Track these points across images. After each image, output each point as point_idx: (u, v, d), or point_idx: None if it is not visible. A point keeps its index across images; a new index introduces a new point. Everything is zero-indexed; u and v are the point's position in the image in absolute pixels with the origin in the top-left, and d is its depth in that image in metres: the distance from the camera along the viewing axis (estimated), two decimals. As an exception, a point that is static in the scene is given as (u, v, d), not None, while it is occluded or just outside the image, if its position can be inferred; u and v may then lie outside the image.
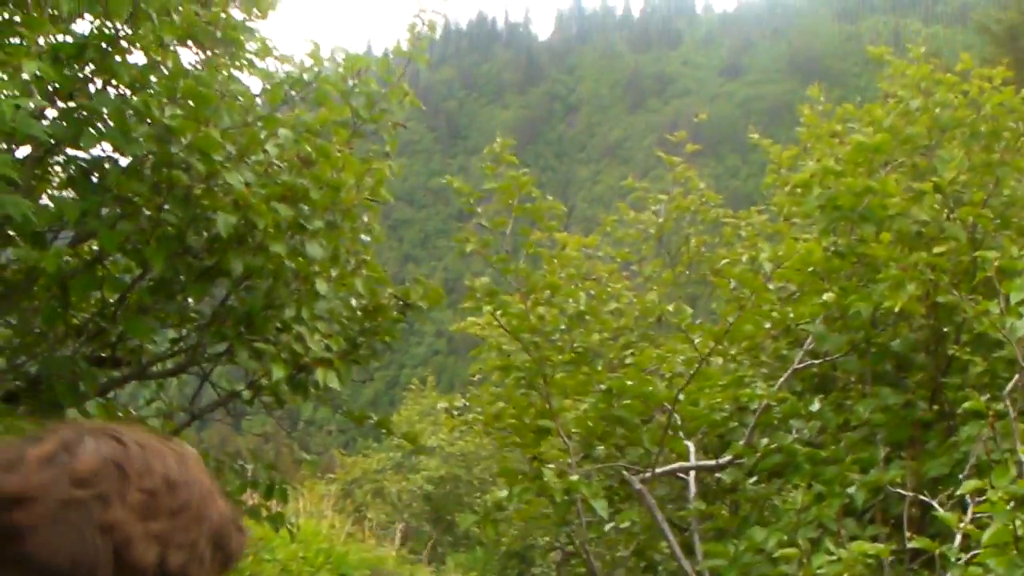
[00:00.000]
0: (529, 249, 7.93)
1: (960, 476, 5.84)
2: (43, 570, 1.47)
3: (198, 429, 8.19)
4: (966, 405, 5.74)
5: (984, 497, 4.71)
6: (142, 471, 1.55)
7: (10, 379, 6.03)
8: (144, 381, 7.23)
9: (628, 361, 8.46)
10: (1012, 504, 4.51)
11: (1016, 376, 6.07)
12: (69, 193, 5.70)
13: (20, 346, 6.14)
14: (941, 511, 5.44)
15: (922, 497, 6.01)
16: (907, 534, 5.44)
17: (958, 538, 5.21)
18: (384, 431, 7.93)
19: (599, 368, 8.06)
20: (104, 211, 5.47)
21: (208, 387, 7.31)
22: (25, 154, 5.37)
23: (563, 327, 7.85)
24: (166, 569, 1.52)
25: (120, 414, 6.89)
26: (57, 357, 5.89)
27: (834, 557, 5.21)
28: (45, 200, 5.67)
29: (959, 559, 5.07)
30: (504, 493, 7.19)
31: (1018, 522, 4.40)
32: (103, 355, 6.53)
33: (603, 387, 7.47)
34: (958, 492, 5.25)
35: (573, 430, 7.92)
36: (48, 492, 1.50)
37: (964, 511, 5.20)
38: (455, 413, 9.44)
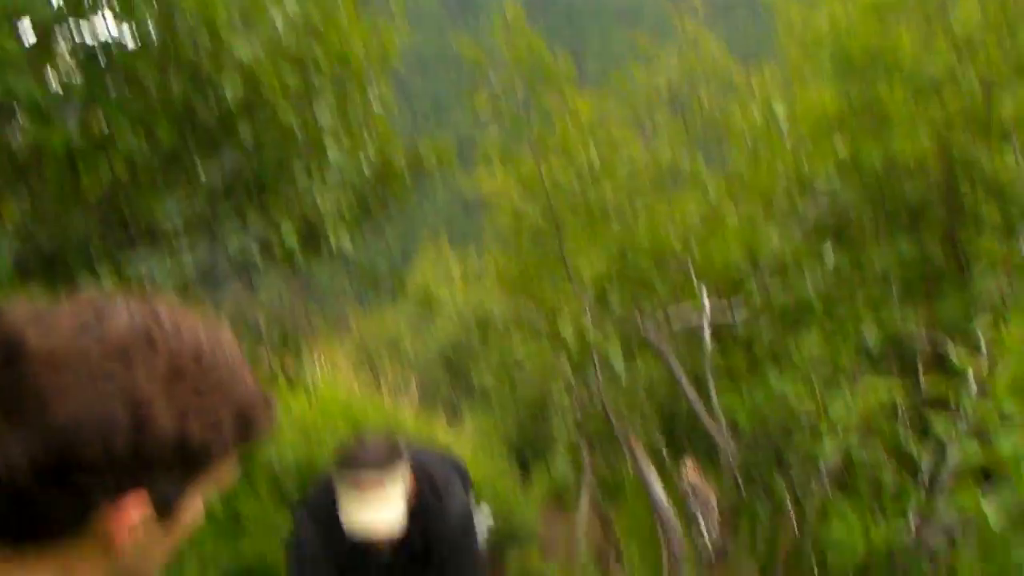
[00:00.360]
0: (539, 108, 7.92)
1: (974, 320, 5.87)
2: (61, 435, 1.48)
3: (213, 296, 8.20)
4: (983, 245, 5.75)
5: (997, 340, 4.74)
6: (171, 344, 1.57)
7: (24, 256, 6.06)
8: (158, 253, 7.25)
9: (641, 215, 8.48)
10: (1025, 345, 4.53)
11: (1031, 223, 6.08)
12: (74, 68, 5.69)
13: (33, 223, 6.16)
14: (955, 354, 5.48)
15: (935, 341, 6.05)
16: (922, 375, 5.48)
17: (971, 380, 5.26)
18: (398, 289, 7.99)
19: (612, 222, 8.07)
20: (111, 88, 5.46)
21: (222, 255, 7.34)
22: (31, 43, 5.36)
23: (575, 183, 7.85)
24: (186, 441, 1.56)
25: (135, 286, 6.94)
26: (70, 233, 5.91)
27: (848, 399, 5.25)
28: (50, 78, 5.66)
29: (974, 400, 5.12)
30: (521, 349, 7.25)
31: (1032, 364, 4.43)
32: (116, 229, 6.55)
33: (617, 243, 7.48)
34: (976, 327, 5.27)
35: (588, 283, 7.96)
36: (78, 359, 1.51)
37: (978, 355, 5.23)
38: (469, 270, 9.46)
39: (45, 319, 1.60)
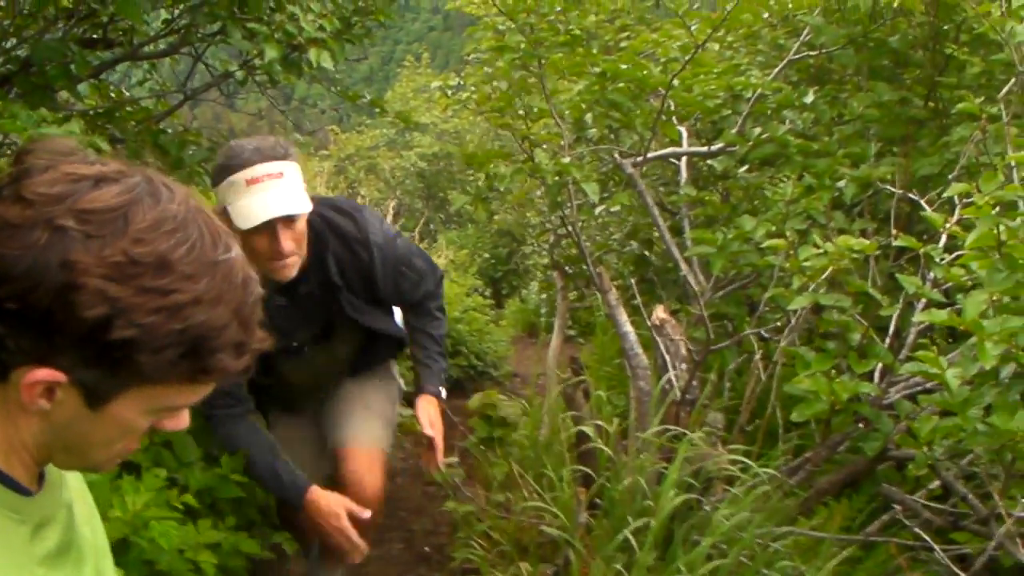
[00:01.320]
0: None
1: (950, 177, 5.87)
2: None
3: (191, 107, 8.15)
4: (960, 106, 5.73)
5: (971, 200, 4.74)
6: (142, 236, 1.57)
7: (0, 63, 6.00)
8: (136, 62, 7.19)
9: (623, 45, 8.40)
10: (997, 209, 4.54)
11: (1012, 80, 6.04)
12: None
13: (9, 29, 6.09)
14: (928, 210, 5.48)
15: (911, 195, 6.05)
16: (893, 231, 5.49)
17: (943, 238, 5.27)
18: (377, 109, 7.96)
19: (594, 51, 7.99)
20: None
21: (201, 67, 7.28)
22: None
23: (559, 8, 7.76)
24: (107, 334, 1.55)
25: (112, 95, 6.89)
26: (47, 40, 5.84)
27: (820, 250, 5.26)
28: None
29: (942, 259, 5.14)
30: (498, 171, 7.21)
31: (1002, 227, 4.44)
32: (94, 36, 6.48)
33: (597, 69, 7.41)
34: (945, 194, 5.28)
35: (566, 112, 7.91)
36: (45, 205, 1.54)
37: (951, 212, 5.24)
38: (449, 93, 9.40)
39: (64, 162, 1.61)
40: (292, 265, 4.29)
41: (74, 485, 2.05)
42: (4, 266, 1.53)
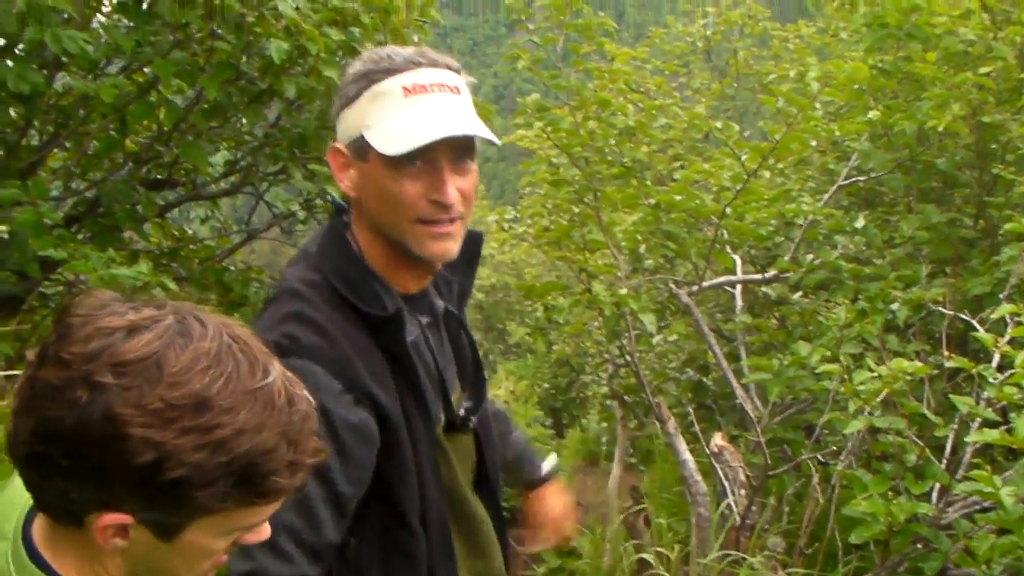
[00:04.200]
0: (579, 65, 7.97)
1: (1000, 296, 5.93)
2: (48, 429, 1.62)
3: (251, 246, 8.29)
4: (1008, 226, 5.80)
5: (1021, 319, 4.80)
6: (177, 380, 1.64)
7: (69, 203, 6.16)
8: (199, 201, 7.35)
9: (676, 175, 8.51)
10: (1047, 327, 4.59)
11: (1057, 198, 6.12)
12: (119, 19, 5.77)
13: (76, 171, 6.27)
14: (980, 331, 5.53)
15: (962, 316, 6.10)
16: (945, 352, 5.53)
17: (996, 358, 5.31)
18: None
19: (648, 182, 8.11)
20: (156, 39, 5.54)
21: (262, 207, 7.43)
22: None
23: (613, 141, 7.89)
24: (159, 476, 1.63)
25: (175, 233, 7.05)
26: (114, 181, 6.00)
27: (875, 373, 5.31)
28: (96, 25, 5.73)
29: (995, 379, 5.17)
30: (556, 303, 7.30)
31: (1052, 345, 4.49)
32: (159, 178, 6.65)
33: (652, 201, 7.52)
34: (993, 315, 5.33)
35: (622, 243, 8.01)
36: (82, 363, 1.63)
37: (1004, 331, 5.28)
38: (506, 226, 9.52)
39: (87, 318, 1.69)
40: (456, 235, 2.77)
41: None
42: (53, 426, 1.62)
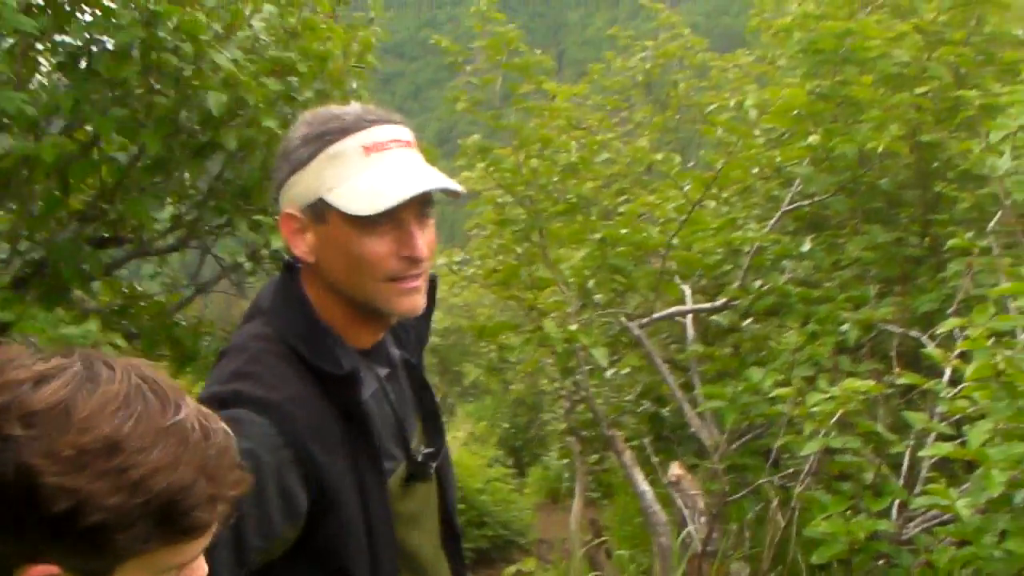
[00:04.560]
0: (519, 104, 8.01)
1: (948, 312, 5.97)
2: None
3: (203, 298, 8.27)
4: (952, 242, 5.86)
5: (967, 332, 4.84)
6: (86, 425, 1.62)
7: (16, 265, 6.14)
8: (147, 257, 7.34)
9: (622, 209, 8.55)
10: (992, 339, 4.64)
11: (999, 212, 6.17)
12: (59, 78, 5.77)
13: (23, 232, 6.25)
14: (930, 347, 5.57)
15: (912, 333, 6.15)
16: (896, 370, 5.57)
17: (947, 373, 5.35)
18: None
19: (593, 217, 8.14)
20: (95, 97, 5.54)
21: (210, 260, 7.42)
22: (11, 44, 5.44)
23: (556, 178, 7.93)
24: (78, 523, 1.61)
25: (125, 290, 7.03)
26: (60, 241, 5.99)
27: (828, 395, 5.34)
28: (34, 87, 5.73)
29: (947, 393, 5.21)
30: (508, 342, 7.32)
31: (999, 356, 4.53)
32: (105, 235, 6.64)
33: (598, 235, 7.55)
34: (939, 331, 5.38)
35: (570, 280, 8.03)
36: None
37: (954, 345, 5.32)
38: (455, 268, 9.54)
39: (4, 371, 1.69)
40: (423, 288, 2.75)
41: None
42: None
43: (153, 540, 1.68)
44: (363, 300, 2.67)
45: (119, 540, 1.65)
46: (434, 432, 3.05)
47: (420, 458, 2.91)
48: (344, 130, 2.61)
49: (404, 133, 2.69)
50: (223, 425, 1.82)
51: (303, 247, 2.66)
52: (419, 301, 2.72)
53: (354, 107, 2.69)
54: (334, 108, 2.69)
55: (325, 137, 2.60)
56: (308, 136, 2.62)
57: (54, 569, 1.67)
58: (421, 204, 2.64)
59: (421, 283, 2.70)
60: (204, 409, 1.80)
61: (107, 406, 1.65)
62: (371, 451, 2.69)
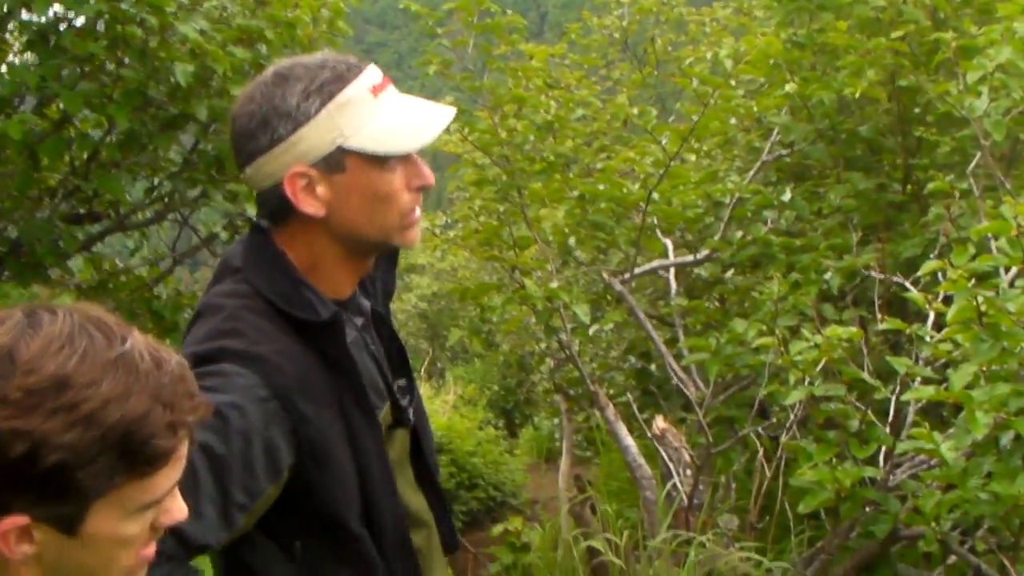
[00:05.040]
0: (492, 65, 7.97)
1: (931, 256, 5.95)
2: None
3: (191, 271, 8.26)
4: (932, 186, 5.83)
5: (950, 274, 4.82)
6: (31, 366, 1.61)
7: (-7, 247, 6.13)
8: (128, 232, 7.31)
9: (600, 166, 8.52)
10: (973, 281, 4.61)
11: (978, 154, 6.15)
12: (29, 57, 5.73)
13: (-1, 211, 6.23)
14: (912, 291, 5.55)
15: (895, 279, 6.13)
16: (879, 316, 5.56)
17: (930, 317, 5.34)
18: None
19: (573, 175, 8.11)
20: (64, 72, 5.50)
21: (188, 231, 7.39)
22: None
23: (532, 138, 7.89)
24: (37, 466, 1.60)
25: (106, 267, 7.00)
26: (35, 219, 5.96)
27: (811, 343, 5.32)
28: (3, 69, 5.70)
29: (931, 337, 5.20)
30: (490, 303, 7.30)
31: (980, 298, 4.50)
32: (81, 212, 6.61)
33: (576, 193, 7.52)
34: (919, 273, 5.35)
35: (551, 238, 8.00)
36: None
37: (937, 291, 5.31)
38: (438, 232, 9.51)
39: None
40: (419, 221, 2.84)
41: None
42: None
43: (118, 475, 1.66)
44: (378, 239, 2.71)
45: (82, 479, 1.63)
46: (406, 379, 3.06)
47: (403, 403, 2.94)
48: (341, 77, 2.61)
49: (380, 72, 2.69)
50: (177, 356, 1.79)
51: (313, 202, 2.64)
52: (417, 235, 2.80)
53: (321, 56, 2.69)
54: (302, 59, 2.67)
55: (326, 88, 2.59)
56: (308, 90, 2.59)
57: (23, 519, 1.65)
58: None
59: (419, 215, 2.77)
60: (153, 341, 1.78)
61: (50, 346, 1.63)
62: (359, 397, 2.70)
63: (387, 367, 2.98)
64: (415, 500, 3.02)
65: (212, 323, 2.60)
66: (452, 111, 2.69)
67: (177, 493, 1.85)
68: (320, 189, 2.63)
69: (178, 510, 1.86)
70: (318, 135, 2.59)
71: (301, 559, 2.69)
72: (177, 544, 2.38)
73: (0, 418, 1.57)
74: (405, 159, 2.66)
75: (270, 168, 2.62)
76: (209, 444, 2.39)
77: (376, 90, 2.64)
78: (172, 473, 1.78)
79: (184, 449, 1.79)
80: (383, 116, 2.62)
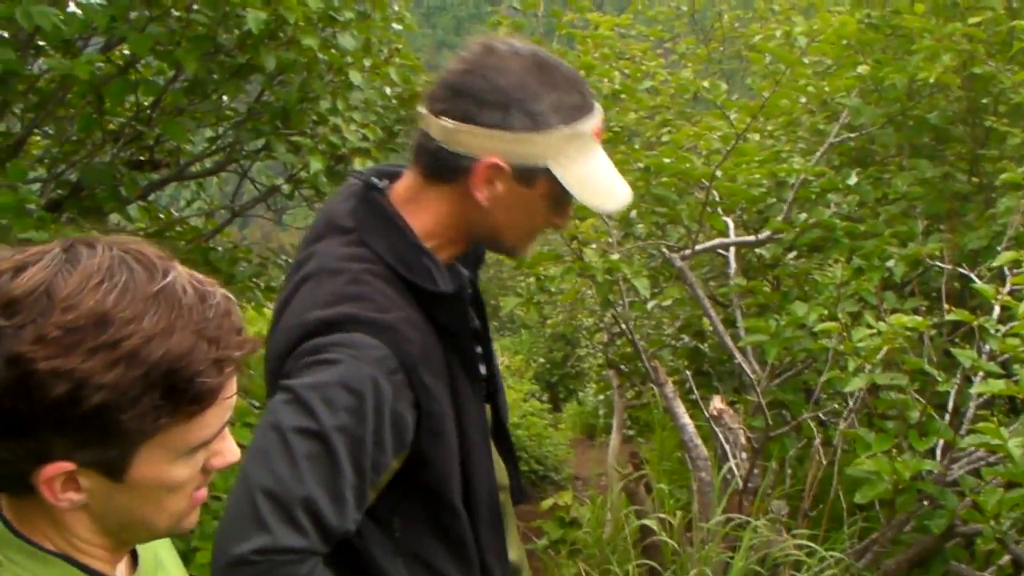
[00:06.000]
0: (562, 30, 7.90)
1: (998, 248, 5.85)
2: None
3: (241, 226, 8.24)
4: (1003, 177, 5.74)
5: (1021, 269, 4.74)
6: (69, 302, 1.55)
7: (52, 188, 6.09)
8: (184, 182, 7.29)
9: (665, 139, 8.43)
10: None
11: (1052, 147, 6.06)
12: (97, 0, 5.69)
13: (59, 155, 6.19)
14: (979, 283, 5.46)
15: (961, 270, 6.04)
16: (946, 306, 5.48)
17: (996, 310, 5.24)
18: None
19: (636, 147, 8.03)
20: (132, 15, 5.46)
21: (248, 184, 7.36)
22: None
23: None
24: (79, 407, 1.54)
25: (161, 215, 6.98)
26: (96, 163, 5.93)
27: (874, 330, 5.24)
28: (73, 8, 5.65)
29: (997, 331, 5.11)
30: (548, 273, 7.23)
31: (1054, 293, 4.43)
32: (142, 158, 6.58)
33: (641, 165, 7.44)
34: (994, 264, 5.27)
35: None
36: None
37: (1003, 283, 5.22)
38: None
39: None
40: None
41: (169, 560, 2.06)
42: None
43: (163, 416, 1.60)
44: (500, 244, 2.80)
45: (125, 421, 1.57)
46: (485, 349, 3.03)
47: (486, 375, 2.93)
48: (583, 108, 2.62)
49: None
50: (222, 289, 1.73)
51: (486, 193, 2.63)
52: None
53: (573, 73, 2.69)
54: (562, 67, 2.66)
55: (572, 112, 2.60)
56: (559, 105, 2.59)
57: (68, 465, 1.60)
58: None
59: None
60: (197, 274, 1.71)
61: (89, 281, 1.56)
62: (469, 370, 2.71)
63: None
64: (497, 468, 2.98)
65: (334, 286, 2.55)
66: (630, 195, 2.71)
67: (228, 434, 1.79)
68: (499, 187, 2.62)
69: (229, 451, 1.80)
70: (540, 148, 2.59)
71: (400, 535, 2.67)
72: (322, 537, 2.35)
73: (40, 358, 1.51)
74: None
75: (478, 142, 2.59)
76: (347, 426, 2.36)
77: (597, 135, 2.65)
78: (221, 413, 1.72)
79: (233, 386, 1.72)
80: (592, 164, 2.64)
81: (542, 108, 2.58)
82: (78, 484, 1.64)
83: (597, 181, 2.64)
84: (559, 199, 2.65)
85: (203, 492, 1.81)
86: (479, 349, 2.88)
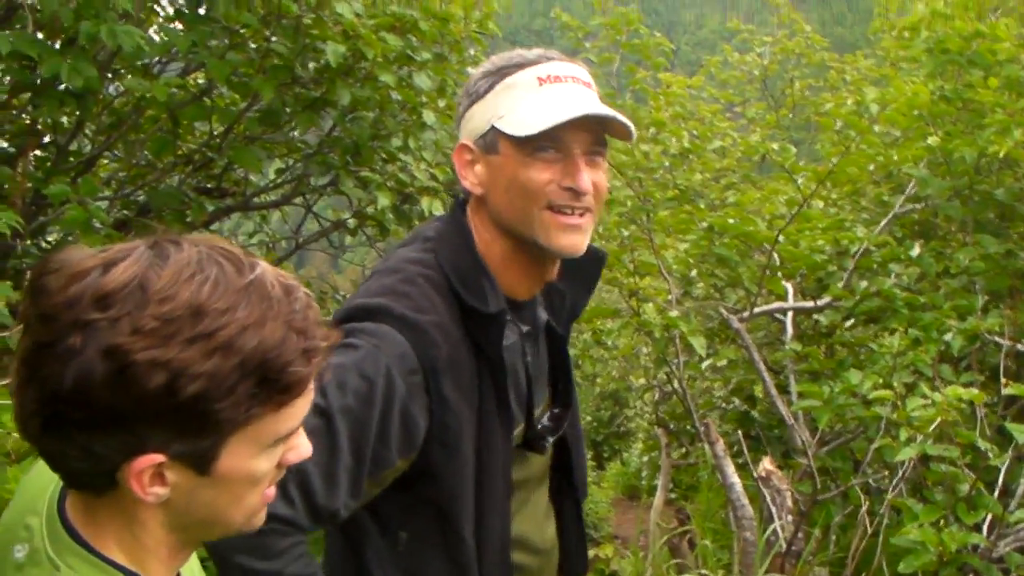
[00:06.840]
0: (635, 85, 7.96)
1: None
2: (52, 388, 1.54)
3: (297, 265, 8.28)
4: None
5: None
6: (165, 294, 1.56)
7: (119, 208, 6.15)
8: (248, 213, 7.34)
9: (730, 201, 8.46)
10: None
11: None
12: (177, 27, 5.76)
13: (128, 176, 6.25)
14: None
15: (1019, 346, 6.01)
16: (1003, 381, 5.45)
17: (1053, 389, 5.22)
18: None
19: (701, 207, 8.06)
20: (213, 42, 5.52)
21: (310, 220, 7.41)
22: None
23: (666, 164, 7.85)
24: (176, 397, 1.55)
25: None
26: (165, 187, 5.99)
27: (928, 401, 5.23)
28: (153, 33, 5.73)
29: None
30: (605, 327, 7.25)
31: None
32: (209, 185, 6.64)
33: (705, 225, 7.46)
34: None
35: (673, 268, 7.95)
36: (65, 311, 1.54)
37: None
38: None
39: (61, 267, 1.62)
40: (586, 229, 2.68)
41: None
42: (56, 383, 1.53)
43: (256, 405, 1.63)
44: (524, 232, 2.66)
45: (220, 410, 1.59)
46: (563, 406, 3.00)
47: (540, 426, 2.88)
48: (522, 64, 2.68)
49: (583, 73, 2.71)
50: (303, 287, 1.75)
51: (472, 179, 2.72)
52: (579, 240, 2.66)
53: (538, 50, 2.74)
54: (520, 50, 2.74)
55: (504, 70, 2.68)
56: (489, 71, 2.71)
57: (160, 457, 1.61)
58: (592, 142, 2.63)
59: (584, 222, 2.66)
60: (281, 270, 1.74)
61: (181, 274, 1.58)
62: (500, 401, 2.67)
63: (543, 386, 2.94)
64: (536, 527, 2.97)
65: (386, 281, 2.61)
66: (612, 113, 2.58)
67: (302, 430, 1.81)
68: (478, 168, 2.69)
69: (304, 447, 1.82)
70: (481, 113, 2.68)
71: (403, 550, 2.66)
72: (308, 513, 2.37)
73: (137, 349, 1.52)
74: (565, 154, 2.60)
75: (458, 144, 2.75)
76: (353, 409, 2.39)
77: (543, 81, 2.64)
78: (304, 404, 1.74)
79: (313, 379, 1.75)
80: (535, 101, 2.62)
81: (475, 81, 2.73)
82: (164, 478, 1.65)
83: (536, 112, 2.57)
84: (521, 148, 2.60)
85: (272, 490, 1.83)
86: (537, 396, 2.86)
